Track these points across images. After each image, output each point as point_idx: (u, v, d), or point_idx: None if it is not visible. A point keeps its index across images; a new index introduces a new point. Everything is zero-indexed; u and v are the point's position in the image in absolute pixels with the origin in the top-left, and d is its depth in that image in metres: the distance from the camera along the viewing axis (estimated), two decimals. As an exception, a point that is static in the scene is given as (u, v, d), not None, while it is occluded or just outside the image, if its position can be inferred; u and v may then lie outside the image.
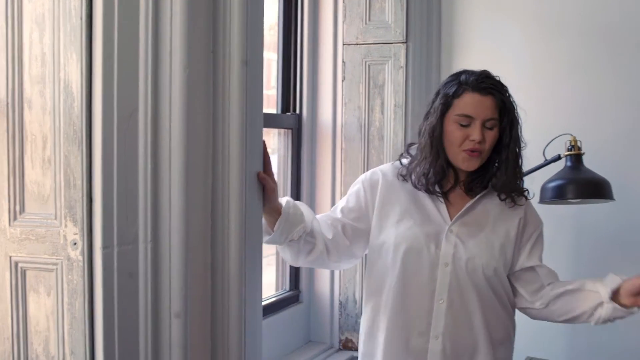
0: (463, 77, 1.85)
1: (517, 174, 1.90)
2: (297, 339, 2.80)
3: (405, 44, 2.73)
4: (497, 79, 1.87)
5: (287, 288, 2.82)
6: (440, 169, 1.87)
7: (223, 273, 1.56)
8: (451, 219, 1.90)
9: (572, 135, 2.47)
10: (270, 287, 2.76)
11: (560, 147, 2.47)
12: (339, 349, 2.82)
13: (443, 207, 1.91)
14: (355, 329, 2.79)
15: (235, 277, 1.57)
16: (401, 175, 1.94)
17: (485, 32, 2.94)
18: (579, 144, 2.45)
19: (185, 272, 1.42)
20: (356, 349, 2.77)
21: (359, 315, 2.78)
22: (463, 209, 1.90)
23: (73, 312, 1.30)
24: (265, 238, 1.84)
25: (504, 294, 1.93)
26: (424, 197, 1.92)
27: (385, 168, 2.00)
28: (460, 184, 1.91)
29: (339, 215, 1.97)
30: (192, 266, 1.45)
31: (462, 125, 1.82)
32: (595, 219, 2.78)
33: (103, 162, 1.28)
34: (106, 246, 1.29)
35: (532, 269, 1.95)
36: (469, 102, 1.82)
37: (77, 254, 1.29)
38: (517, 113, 1.88)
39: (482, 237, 1.89)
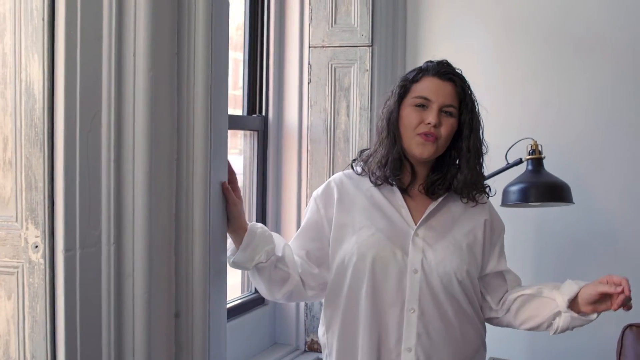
0: (424, 65, 1.84)
1: (478, 169, 1.85)
2: (263, 341, 2.80)
3: (370, 47, 2.75)
4: (459, 71, 1.84)
5: (253, 290, 2.81)
6: (398, 156, 1.80)
7: (187, 275, 1.55)
8: (415, 223, 1.81)
9: (533, 139, 2.51)
10: (235, 289, 2.75)
11: (522, 151, 2.52)
12: (305, 351, 2.82)
13: (405, 210, 1.83)
14: (321, 331, 2.79)
15: (200, 279, 1.56)
16: (357, 168, 1.88)
17: (450, 36, 2.97)
18: (540, 148, 2.50)
19: (149, 275, 1.41)
20: (321, 351, 2.78)
21: (324, 317, 2.78)
22: (427, 212, 1.82)
23: (34, 316, 1.28)
24: (230, 259, 1.77)
25: (476, 299, 1.86)
26: (384, 202, 1.84)
27: (338, 177, 1.91)
28: (420, 186, 1.84)
29: (300, 242, 1.88)
30: (156, 269, 1.44)
31: (418, 107, 1.77)
32: (555, 222, 2.83)
33: (65, 164, 1.26)
34: (68, 249, 1.27)
35: (500, 274, 1.91)
36: (427, 85, 1.79)
37: (38, 257, 1.27)
38: (478, 110, 1.84)
39: (449, 240, 1.81)
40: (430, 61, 1.84)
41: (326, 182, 1.93)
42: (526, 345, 2.86)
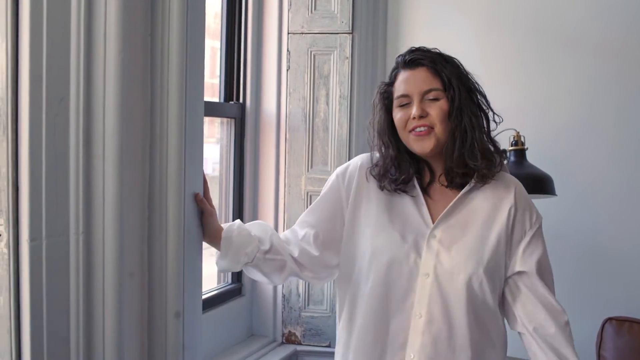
0: (395, 61, 1.75)
1: (470, 149, 1.66)
2: (239, 333, 2.75)
3: (351, 35, 2.70)
4: (435, 50, 1.72)
5: (230, 281, 2.76)
6: (395, 160, 1.71)
7: (161, 266, 1.50)
8: (433, 221, 1.69)
9: (516, 130, 2.48)
10: (211, 280, 2.70)
11: (504, 142, 2.48)
12: (282, 343, 2.79)
13: (424, 207, 1.70)
14: (299, 323, 2.76)
15: (173, 269, 1.52)
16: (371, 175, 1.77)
17: (431, 24, 2.94)
18: (522, 139, 2.47)
19: (120, 265, 1.36)
20: (299, 343, 2.75)
21: (302, 309, 2.75)
22: (446, 209, 1.68)
23: (-3, 309, 1.23)
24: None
25: (497, 309, 1.70)
26: (403, 198, 1.72)
27: (364, 161, 1.79)
28: (440, 177, 1.72)
29: (313, 219, 1.78)
30: (127, 259, 1.39)
31: (403, 107, 1.69)
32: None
33: (30, 149, 1.20)
34: (34, 238, 1.22)
35: (529, 280, 1.69)
36: (401, 81, 1.70)
37: (2, 247, 1.21)
38: (470, 80, 1.72)
39: (468, 242, 1.66)
40: (400, 55, 1.74)
41: (352, 161, 1.83)
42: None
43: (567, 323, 1.69)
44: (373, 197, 1.75)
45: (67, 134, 1.26)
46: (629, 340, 2.40)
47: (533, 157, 2.49)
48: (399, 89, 1.71)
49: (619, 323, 2.43)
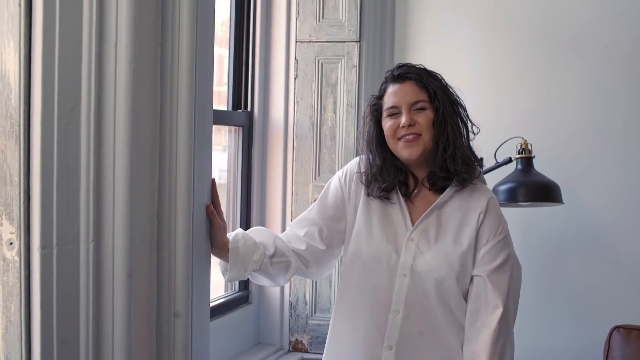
0: (384, 76, 1.89)
1: (451, 154, 1.80)
2: (247, 341, 2.75)
3: (358, 43, 2.71)
4: (420, 66, 1.87)
5: (237, 288, 2.77)
6: (382, 167, 1.84)
7: (170, 274, 1.51)
8: (413, 225, 1.84)
9: (523, 138, 2.48)
10: (219, 287, 2.71)
11: (511, 150, 2.49)
12: (289, 351, 2.78)
13: (406, 211, 1.85)
14: (305, 331, 2.76)
15: (183, 278, 1.52)
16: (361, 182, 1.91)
17: (438, 33, 2.94)
18: (529, 147, 2.47)
19: (129, 274, 1.36)
20: (306, 351, 2.75)
21: (309, 317, 2.75)
22: (424, 214, 1.83)
23: (8, 316, 1.23)
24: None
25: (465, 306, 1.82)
26: (394, 200, 1.87)
27: (359, 164, 1.93)
28: (424, 180, 1.86)
29: (316, 216, 1.91)
30: (137, 267, 1.39)
31: (392, 116, 1.82)
32: (543, 222, 2.81)
33: (42, 157, 1.21)
34: (45, 246, 1.22)
35: (480, 282, 1.80)
36: (390, 94, 1.84)
37: (13, 255, 1.22)
38: (452, 93, 1.85)
39: (441, 246, 1.81)
40: (388, 70, 1.89)
41: (350, 164, 1.96)
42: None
43: (493, 335, 1.75)
44: (365, 200, 1.88)
45: (78, 143, 1.27)
46: (637, 349, 2.39)
47: (540, 165, 2.48)
48: (388, 101, 1.85)
49: (627, 331, 2.42)
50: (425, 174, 1.86)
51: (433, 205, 1.83)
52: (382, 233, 1.84)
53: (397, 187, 1.86)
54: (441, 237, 1.82)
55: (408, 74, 1.84)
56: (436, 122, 1.80)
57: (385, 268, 1.82)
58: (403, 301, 1.80)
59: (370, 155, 1.88)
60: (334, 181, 1.94)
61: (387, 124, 1.83)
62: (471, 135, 1.88)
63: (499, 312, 1.76)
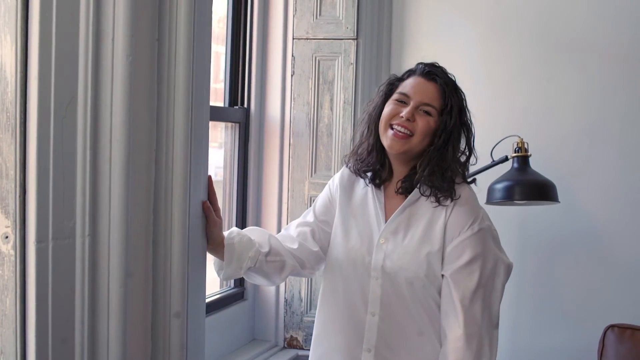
0: (415, 66, 1.85)
1: (441, 170, 1.76)
2: (241, 337, 2.75)
3: (355, 41, 2.71)
4: (452, 76, 1.83)
5: (232, 285, 2.77)
6: (370, 149, 1.83)
7: (165, 270, 1.50)
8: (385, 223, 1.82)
9: (519, 137, 2.49)
10: (214, 284, 2.70)
11: (507, 149, 2.49)
12: (284, 347, 2.79)
13: (381, 211, 1.82)
14: (300, 327, 2.76)
15: (178, 274, 1.52)
16: (344, 162, 1.92)
17: (436, 31, 2.94)
18: (525, 145, 2.47)
19: (125, 269, 1.36)
20: (301, 347, 2.75)
21: (304, 314, 2.75)
22: (393, 215, 1.80)
23: (3, 310, 1.23)
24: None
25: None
26: (371, 203, 1.85)
27: (341, 174, 1.94)
28: (398, 182, 1.83)
29: (310, 219, 1.93)
30: (133, 262, 1.39)
31: (398, 102, 1.79)
32: (538, 220, 2.81)
33: (38, 151, 1.20)
34: (40, 240, 1.22)
35: (447, 283, 1.75)
36: (410, 83, 1.81)
37: (8, 248, 1.21)
38: (466, 116, 1.81)
39: (408, 245, 1.77)
40: (422, 62, 1.84)
41: (339, 172, 1.96)
42: (506, 344, 2.84)
43: (461, 339, 1.70)
44: (345, 203, 1.89)
45: (75, 137, 1.27)
46: (631, 348, 2.39)
47: (536, 164, 2.49)
48: (404, 87, 1.81)
49: (621, 330, 2.43)
50: (403, 174, 1.82)
51: (403, 204, 1.80)
52: (357, 235, 1.83)
53: (372, 175, 1.85)
54: (409, 235, 1.78)
55: (437, 76, 1.79)
56: (437, 135, 1.76)
57: (360, 270, 1.80)
58: (378, 303, 1.78)
59: (366, 131, 1.86)
60: (327, 185, 1.97)
61: (389, 106, 1.80)
62: (469, 162, 1.84)
63: (460, 317, 1.70)
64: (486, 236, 1.76)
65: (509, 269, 1.80)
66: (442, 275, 1.75)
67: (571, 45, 2.81)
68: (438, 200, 1.77)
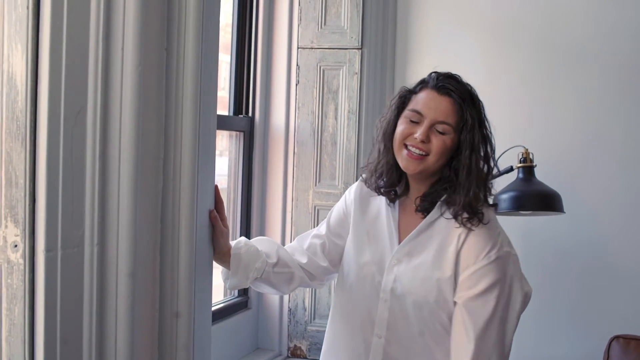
0: (428, 76, 1.74)
1: (476, 191, 1.66)
2: (245, 346, 2.75)
3: (360, 50, 2.72)
4: (468, 86, 1.72)
5: (236, 294, 2.76)
6: (391, 165, 1.74)
7: (172, 277, 1.51)
8: (400, 243, 1.74)
9: (524, 147, 2.49)
10: (218, 292, 2.70)
11: (513, 159, 2.49)
12: (288, 357, 2.78)
13: (395, 231, 1.74)
14: (304, 337, 2.75)
15: (185, 281, 1.52)
16: (362, 177, 1.84)
17: (440, 41, 2.95)
18: (531, 156, 2.47)
19: (133, 278, 1.36)
20: (304, 357, 2.74)
21: (308, 323, 2.74)
22: (409, 235, 1.72)
23: (12, 319, 1.23)
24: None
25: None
26: (385, 220, 1.77)
27: (359, 186, 1.87)
28: (417, 200, 1.74)
29: (323, 231, 1.88)
30: (141, 271, 1.39)
31: (412, 122, 1.68)
32: (542, 230, 2.81)
33: (48, 160, 1.21)
34: (49, 249, 1.22)
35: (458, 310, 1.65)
36: (422, 98, 1.69)
37: (17, 257, 1.22)
38: (487, 128, 1.71)
39: (420, 267, 1.68)
40: (436, 72, 1.73)
41: (354, 184, 1.90)
42: (510, 354, 2.83)
43: None
44: (360, 218, 1.82)
45: (84, 146, 1.27)
46: (636, 359, 2.38)
47: (541, 174, 2.49)
48: (416, 103, 1.71)
49: (626, 341, 2.42)
50: (422, 190, 1.74)
51: (418, 227, 1.72)
52: (370, 253, 1.76)
53: (389, 192, 1.77)
54: (421, 258, 1.69)
55: (452, 90, 1.67)
56: (462, 153, 1.66)
57: (369, 290, 1.75)
58: (385, 326, 1.72)
59: (382, 147, 1.76)
60: (343, 197, 1.91)
61: (401, 125, 1.70)
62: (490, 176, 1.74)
63: (470, 347, 1.61)
64: (504, 264, 1.66)
65: (526, 297, 1.70)
66: (455, 302, 1.66)
67: (574, 56, 2.81)
68: (463, 224, 1.67)
